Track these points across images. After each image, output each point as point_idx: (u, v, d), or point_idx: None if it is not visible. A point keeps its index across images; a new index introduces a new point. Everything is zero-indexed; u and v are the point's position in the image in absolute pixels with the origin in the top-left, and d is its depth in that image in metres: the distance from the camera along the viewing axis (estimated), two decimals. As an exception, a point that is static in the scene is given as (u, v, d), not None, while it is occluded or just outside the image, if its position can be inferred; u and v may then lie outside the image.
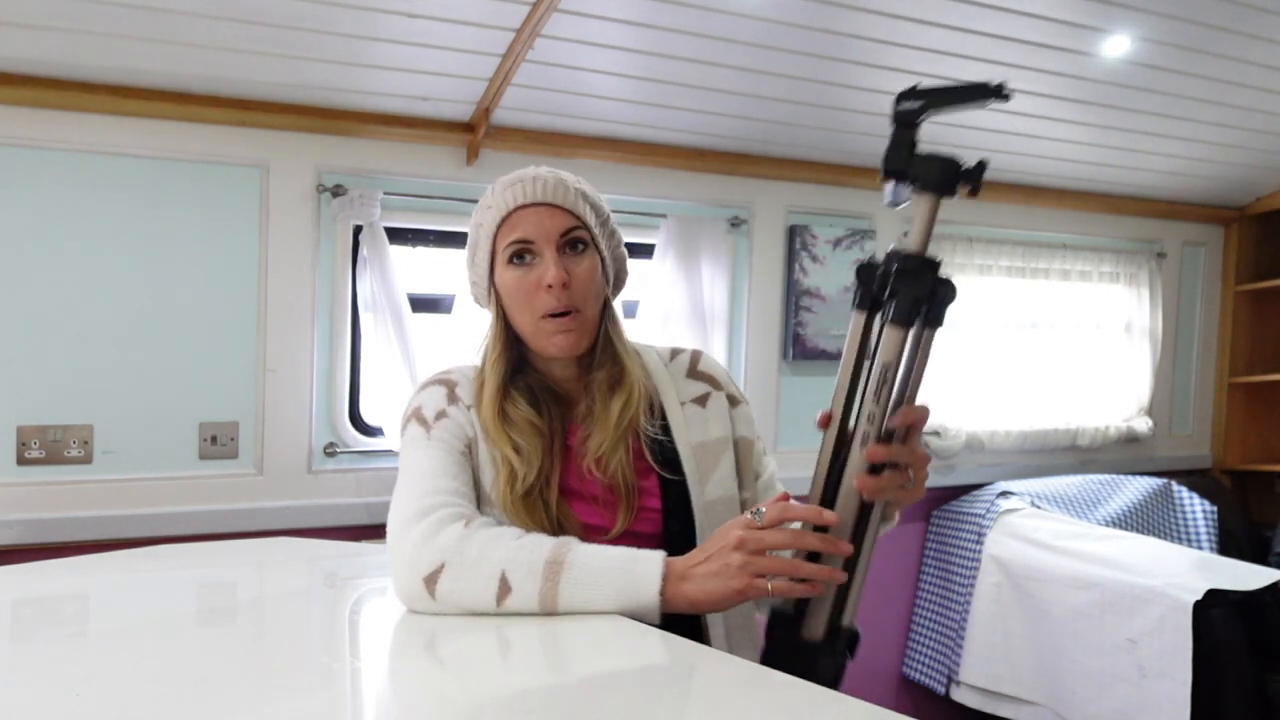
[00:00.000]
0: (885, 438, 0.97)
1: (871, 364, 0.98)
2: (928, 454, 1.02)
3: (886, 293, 0.98)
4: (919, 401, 0.99)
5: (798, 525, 0.99)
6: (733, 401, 1.26)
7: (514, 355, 1.19)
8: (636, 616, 0.96)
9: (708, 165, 2.72)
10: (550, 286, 1.11)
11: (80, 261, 2.10)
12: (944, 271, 0.98)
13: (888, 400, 0.97)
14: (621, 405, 1.15)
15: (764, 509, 0.97)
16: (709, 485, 1.18)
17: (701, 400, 1.24)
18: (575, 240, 1.15)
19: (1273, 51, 2.60)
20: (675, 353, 1.29)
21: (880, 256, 0.99)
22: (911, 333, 0.97)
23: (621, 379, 1.17)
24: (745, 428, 1.26)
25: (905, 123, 0.97)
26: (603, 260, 1.19)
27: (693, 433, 1.20)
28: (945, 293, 0.97)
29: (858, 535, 0.99)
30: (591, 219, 1.16)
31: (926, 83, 0.99)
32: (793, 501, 1.00)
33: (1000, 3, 2.24)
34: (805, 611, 1.00)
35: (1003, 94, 0.95)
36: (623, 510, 1.14)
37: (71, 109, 2.06)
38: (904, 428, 0.98)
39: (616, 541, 1.10)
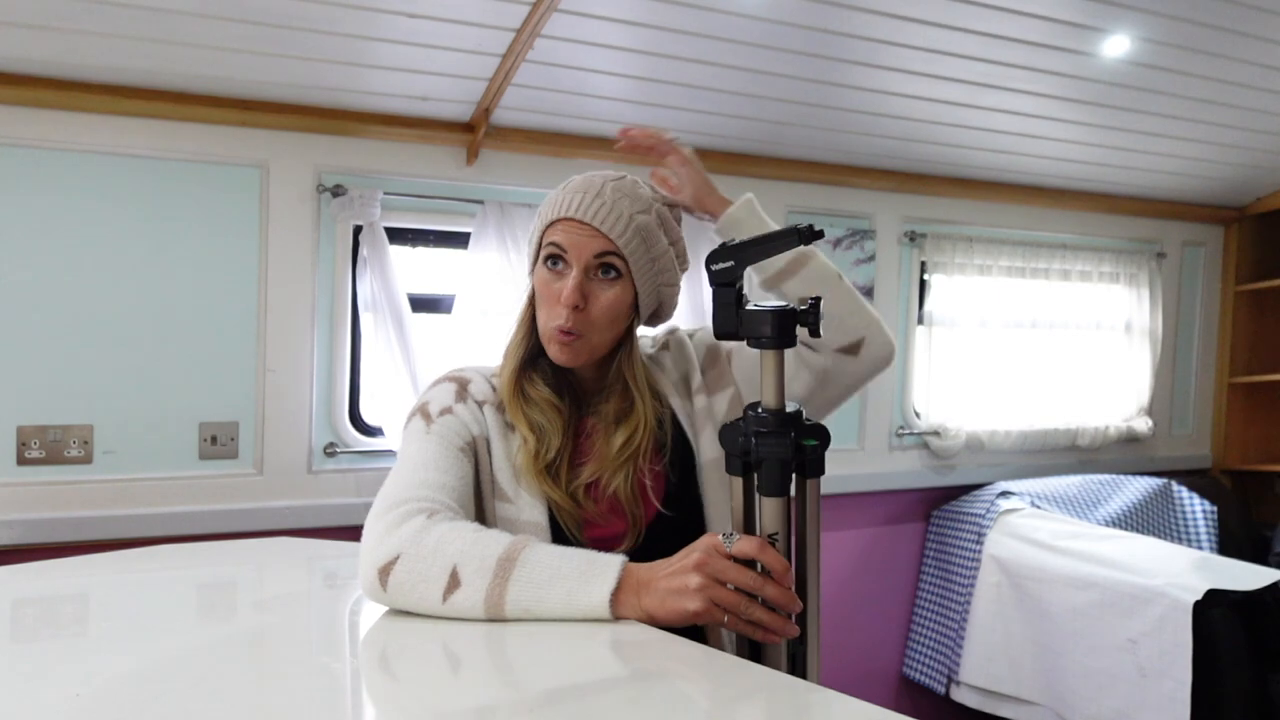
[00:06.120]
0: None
1: (759, 528, 0.96)
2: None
3: (754, 456, 0.94)
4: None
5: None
6: (720, 371, 1.26)
7: (535, 343, 1.20)
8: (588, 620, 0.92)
9: (708, 165, 2.66)
10: (563, 305, 1.11)
11: (80, 261, 2.10)
12: (808, 418, 0.93)
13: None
14: (623, 441, 1.15)
15: (737, 536, 0.94)
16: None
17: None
18: (607, 265, 1.13)
19: (1273, 51, 2.60)
20: (689, 382, 1.26)
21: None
22: (793, 488, 0.95)
23: (628, 415, 1.17)
24: (732, 361, 1.27)
25: (724, 284, 0.92)
26: (637, 292, 1.16)
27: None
28: (819, 439, 0.93)
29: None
30: (634, 248, 1.13)
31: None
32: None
33: (1000, 3, 2.24)
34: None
35: (812, 237, 0.91)
36: (630, 534, 1.15)
37: (71, 109, 2.06)
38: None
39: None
